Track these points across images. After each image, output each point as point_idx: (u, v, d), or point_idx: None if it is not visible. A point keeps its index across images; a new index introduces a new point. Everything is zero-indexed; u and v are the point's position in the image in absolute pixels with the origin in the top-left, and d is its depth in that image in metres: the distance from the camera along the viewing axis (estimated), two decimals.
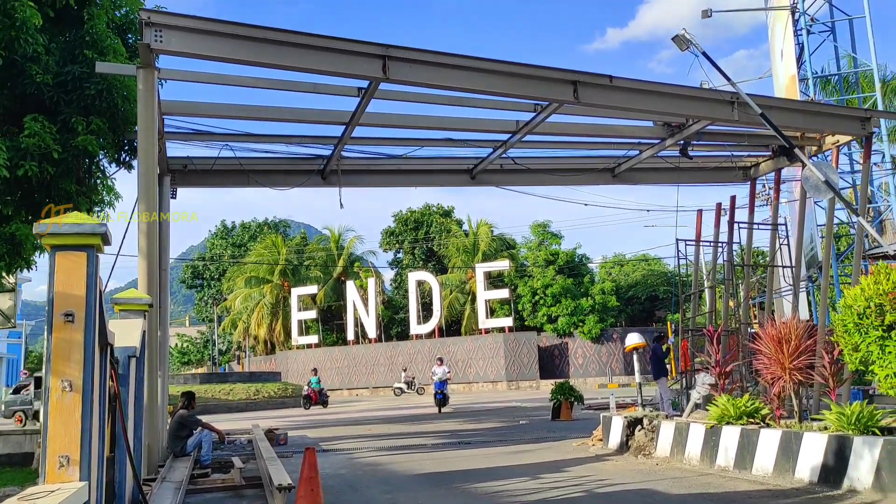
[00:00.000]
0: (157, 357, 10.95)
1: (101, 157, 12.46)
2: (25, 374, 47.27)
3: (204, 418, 13.84)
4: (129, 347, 7.57)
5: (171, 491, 8.94)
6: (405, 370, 44.91)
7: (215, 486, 10.14)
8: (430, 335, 47.73)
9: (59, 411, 4.62)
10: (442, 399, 24.71)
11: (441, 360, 26.08)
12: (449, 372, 27.65)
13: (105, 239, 4.93)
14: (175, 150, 15.19)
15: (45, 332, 4.74)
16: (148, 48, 10.12)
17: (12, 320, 17.70)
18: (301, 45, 10.76)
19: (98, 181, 12.72)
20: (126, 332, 7.62)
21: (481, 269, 46.63)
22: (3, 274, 11.89)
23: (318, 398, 32.90)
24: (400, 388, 42.55)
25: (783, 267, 19.28)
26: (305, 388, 33.65)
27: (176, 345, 72.82)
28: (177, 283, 79.09)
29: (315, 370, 35.94)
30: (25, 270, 12.14)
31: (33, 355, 61.93)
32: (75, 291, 4.77)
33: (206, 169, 15.69)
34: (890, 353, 7.67)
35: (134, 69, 10.79)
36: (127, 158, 13.36)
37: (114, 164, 13.27)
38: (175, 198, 16.03)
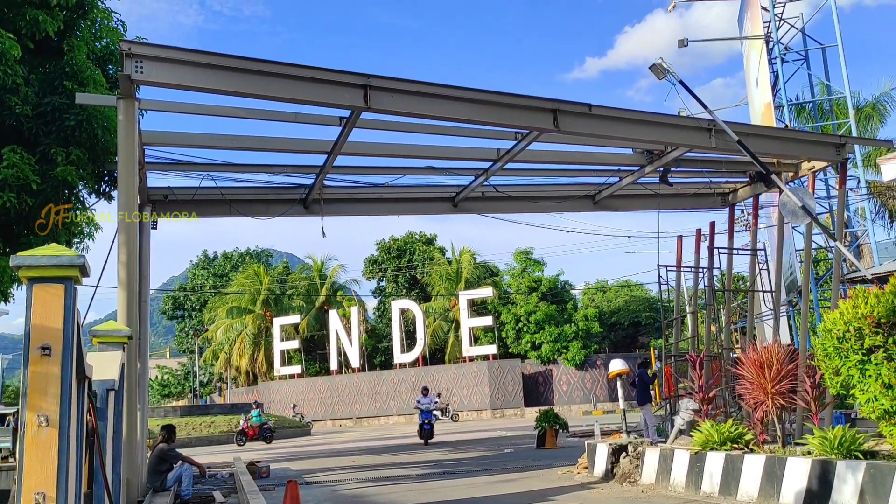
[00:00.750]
0: (136, 390, 10.78)
1: (80, 187, 12.38)
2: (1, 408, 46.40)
3: (185, 451, 13.64)
4: (108, 381, 7.45)
5: None
6: (439, 395, 44.09)
7: None
8: (414, 364, 47.47)
9: (35, 447, 4.54)
10: (429, 431, 23.36)
11: (426, 389, 24.67)
12: (437, 401, 26.28)
13: (83, 270, 4.88)
14: (156, 180, 15.13)
15: (22, 366, 4.66)
16: (128, 79, 10.11)
17: None
18: (282, 76, 10.79)
19: (77, 212, 12.62)
20: (104, 365, 7.51)
21: (465, 296, 46.58)
22: None
23: (259, 433, 30.13)
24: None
25: (763, 291, 19.44)
26: (242, 421, 30.98)
27: (156, 377, 71.95)
28: (157, 314, 78.35)
29: (257, 403, 32.92)
30: (3, 303, 11.98)
31: (10, 389, 60.78)
32: (52, 324, 4.70)
33: (187, 199, 15.61)
34: (870, 376, 7.72)
35: (114, 100, 10.77)
36: (107, 189, 13.28)
37: (94, 195, 13.20)
38: (156, 228, 15.92)
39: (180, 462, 12.18)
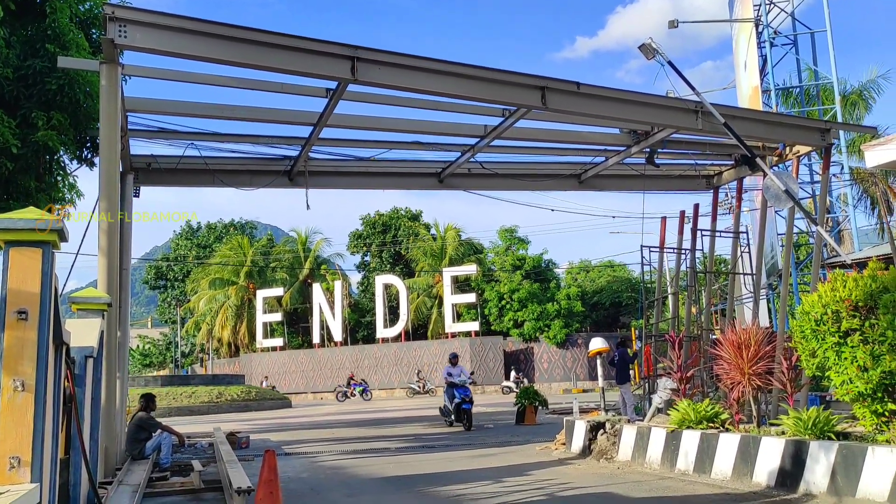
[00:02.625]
0: (115, 358, 10.75)
1: (62, 153, 12.23)
2: None
3: (166, 421, 13.65)
4: (87, 347, 7.43)
5: (127, 495, 8.78)
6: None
7: (174, 489, 9.99)
8: (397, 339, 47.62)
9: (11, 411, 4.51)
10: (468, 411, 17.93)
11: (455, 357, 19.41)
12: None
13: (62, 235, 4.83)
14: (139, 148, 14.96)
15: None
16: (111, 43, 9.94)
17: None
18: (269, 45, 10.65)
19: (59, 178, 12.47)
20: (83, 332, 7.47)
21: (448, 273, 46.66)
22: None
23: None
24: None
25: (744, 274, 19.59)
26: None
27: (137, 346, 71.69)
28: (139, 284, 77.91)
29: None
30: None
31: None
32: (29, 288, 4.66)
33: (171, 168, 15.47)
34: (846, 358, 7.82)
35: (97, 65, 10.59)
36: (89, 155, 13.12)
37: (75, 161, 13.03)
38: (138, 196, 15.76)
39: (159, 431, 12.19)
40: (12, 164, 10.60)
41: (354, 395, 42.44)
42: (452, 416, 18.37)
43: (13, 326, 4.58)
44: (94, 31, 12.72)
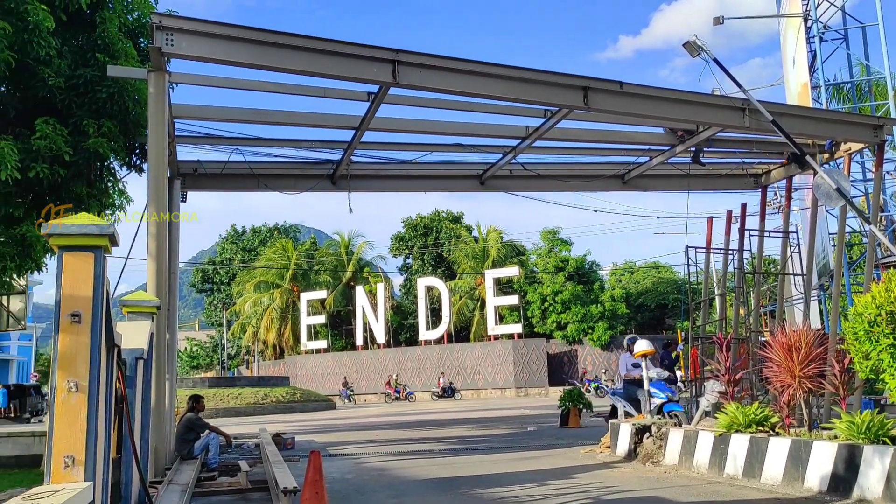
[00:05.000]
0: (164, 360, 10.96)
1: (112, 160, 12.51)
2: (36, 377, 47.51)
3: (212, 422, 13.88)
4: (137, 349, 7.58)
5: (177, 494, 8.94)
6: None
7: (222, 489, 10.14)
8: (439, 341, 47.69)
9: (65, 411, 4.63)
10: (680, 414, 12.72)
11: (633, 341, 13.73)
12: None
13: (112, 240, 4.94)
14: (185, 153, 15.26)
15: (53, 333, 4.75)
16: (159, 51, 10.16)
17: (23, 322, 17.81)
18: (311, 50, 10.78)
19: (109, 184, 12.77)
20: (134, 334, 7.63)
21: (490, 275, 46.57)
22: (14, 276, 11.95)
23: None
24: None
25: (794, 275, 19.16)
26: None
27: (185, 348, 73.05)
28: (187, 287, 79.37)
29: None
30: (36, 273, 12.20)
31: (43, 357, 62.18)
32: (82, 292, 4.77)
33: (216, 173, 15.74)
34: None
35: (145, 72, 10.84)
36: (138, 162, 13.41)
37: (125, 168, 13.33)
38: (185, 201, 16.07)
39: (207, 431, 12.38)
40: (65, 170, 10.88)
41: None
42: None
43: (67, 329, 4.70)
44: (141, 39, 13.00)
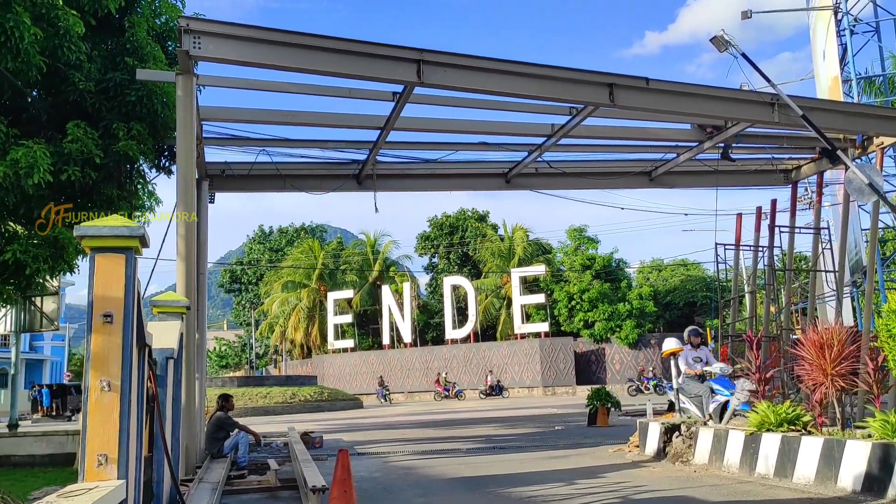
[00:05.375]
0: (194, 359, 11.09)
1: (141, 162, 12.68)
2: (69, 376, 48.34)
3: (241, 421, 14.00)
4: (167, 349, 7.67)
5: (208, 491, 9.03)
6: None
7: (251, 487, 10.24)
8: (466, 340, 47.68)
9: (98, 410, 4.69)
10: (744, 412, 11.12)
11: (697, 333, 13.05)
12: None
13: (143, 241, 5.00)
14: (213, 155, 15.45)
15: (86, 333, 4.82)
16: (186, 55, 10.28)
17: (56, 323, 18.09)
18: (336, 51, 10.83)
19: (139, 186, 12.95)
20: (164, 334, 7.72)
21: (517, 273, 46.44)
22: (47, 277, 12.14)
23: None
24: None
25: (826, 272, 18.87)
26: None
27: (214, 348, 73.83)
28: (215, 288, 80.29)
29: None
30: (68, 274, 12.39)
31: (76, 357, 63.22)
32: (114, 293, 4.83)
33: (244, 174, 15.89)
34: None
35: (173, 76, 10.98)
36: (166, 164, 13.58)
37: (154, 170, 13.51)
38: (213, 202, 16.25)
39: (237, 430, 12.50)
40: (96, 173, 11.04)
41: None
42: (708, 418, 11.86)
43: (100, 329, 4.77)
44: (169, 43, 13.16)
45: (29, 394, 34.14)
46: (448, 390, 43.20)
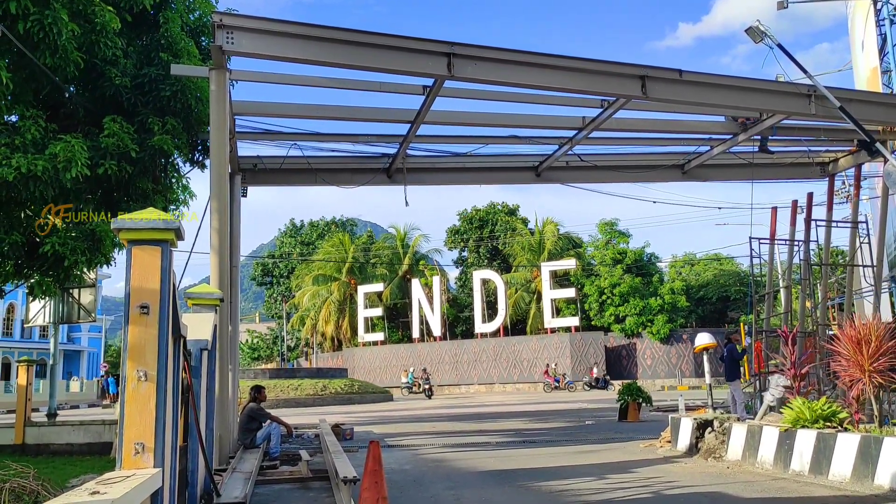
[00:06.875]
0: (227, 351, 11.22)
1: (175, 156, 12.85)
2: (105, 367, 49.28)
3: (273, 412, 14.15)
4: (202, 340, 7.77)
5: (241, 481, 9.15)
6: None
7: (283, 477, 10.35)
8: (495, 334, 47.65)
9: (135, 400, 4.77)
10: None
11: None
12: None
13: (178, 234, 5.07)
14: (245, 149, 15.58)
15: (123, 324, 4.91)
16: (220, 50, 10.39)
17: (93, 314, 18.40)
18: (367, 45, 10.87)
19: (173, 180, 13.13)
20: (198, 326, 7.82)
21: (547, 267, 46.27)
22: (84, 269, 12.37)
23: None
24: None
25: (864, 266, 18.52)
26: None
27: (246, 340, 74.66)
28: (247, 281, 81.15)
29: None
30: (105, 266, 12.61)
31: (112, 349, 64.42)
32: (150, 285, 4.91)
33: (276, 168, 16.02)
34: None
35: (207, 71, 11.11)
36: (200, 158, 13.75)
37: (188, 164, 13.68)
38: (246, 196, 16.41)
39: (269, 421, 12.63)
40: (131, 167, 11.22)
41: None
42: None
43: (136, 321, 4.85)
44: (203, 38, 13.31)
45: (97, 381, 35.41)
46: (558, 381, 42.33)
